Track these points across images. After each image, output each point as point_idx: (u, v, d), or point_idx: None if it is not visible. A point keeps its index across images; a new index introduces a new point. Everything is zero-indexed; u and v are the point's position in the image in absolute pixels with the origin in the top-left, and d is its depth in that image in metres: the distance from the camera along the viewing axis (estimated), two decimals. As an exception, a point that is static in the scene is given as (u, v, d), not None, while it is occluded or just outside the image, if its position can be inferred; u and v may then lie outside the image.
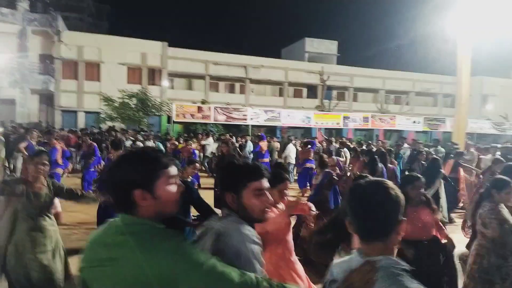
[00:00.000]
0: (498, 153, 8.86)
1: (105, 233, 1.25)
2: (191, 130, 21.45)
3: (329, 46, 38.89)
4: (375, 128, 23.81)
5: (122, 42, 27.29)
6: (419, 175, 3.56)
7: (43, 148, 4.88)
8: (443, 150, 10.35)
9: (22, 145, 7.98)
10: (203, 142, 14.05)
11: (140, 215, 1.21)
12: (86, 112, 25.94)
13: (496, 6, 12.82)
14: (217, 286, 1.15)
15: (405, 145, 12.49)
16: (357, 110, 29.90)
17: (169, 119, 21.96)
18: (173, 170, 1.27)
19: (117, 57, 26.96)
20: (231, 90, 33.01)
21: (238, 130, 23.26)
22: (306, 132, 24.81)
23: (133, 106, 21.81)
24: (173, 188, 1.26)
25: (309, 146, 9.15)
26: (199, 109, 20.59)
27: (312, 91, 34.52)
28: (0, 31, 22.57)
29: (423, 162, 8.34)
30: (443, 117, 26.19)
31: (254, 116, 21.02)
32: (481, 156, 8.92)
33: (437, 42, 17.37)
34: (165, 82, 28.30)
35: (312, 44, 38.15)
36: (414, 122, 24.12)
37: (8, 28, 23.30)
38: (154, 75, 28.54)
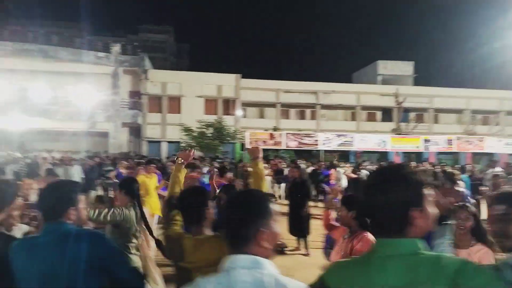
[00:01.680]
0: None
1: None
2: (263, 156, 21.89)
3: (404, 68, 37.45)
4: (461, 152, 21.93)
5: (200, 77, 29.42)
6: None
7: (132, 176, 5.14)
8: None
9: (112, 173, 8.79)
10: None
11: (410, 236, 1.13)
12: (169, 142, 28.07)
13: None
14: None
15: (498, 168, 11.31)
16: (439, 132, 27.90)
17: (242, 146, 22.75)
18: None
19: (196, 91, 29.06)
20: (302, 116, 33.21)
21: (310, 155, 23.17)
22: (382, 156, 23.73)
23: (210, 135, 23.12)
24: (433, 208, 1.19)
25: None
26: (271, 136, 21.05)
27: (387, 114, 33.18)
28: (96, 73, 25.85)
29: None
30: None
31: (326, 141, 20.83)
32: None
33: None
34: (239, 112, 29.56)
35: (386, 67, 37.11)
36: (507, 144, 21.73)
37: (104, 70, 26.65)
38: (228, 105, 30.05)
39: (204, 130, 23.06)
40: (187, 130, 23.02)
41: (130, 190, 3.37)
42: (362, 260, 1.20)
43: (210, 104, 29.61)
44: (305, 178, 7.86)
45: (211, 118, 24.98)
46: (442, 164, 15.55)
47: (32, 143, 23.19)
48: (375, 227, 1.20)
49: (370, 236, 2.53)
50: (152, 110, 28.89)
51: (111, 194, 9.55)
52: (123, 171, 8.95)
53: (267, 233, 1.21)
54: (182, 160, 2.65)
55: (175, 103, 29.32)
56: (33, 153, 17.29)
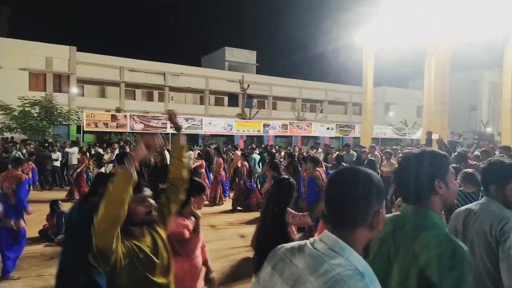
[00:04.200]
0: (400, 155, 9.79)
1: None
2: (104, 140, 20.01)
3: (249, 56, 39.80)
4: (294, 135, 24.85)
5: (24, 45, 24.61)
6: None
7: None
8: (355, 153, 11.09)
9: None
10: (67, 150, 13.03)
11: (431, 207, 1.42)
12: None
13: (397, 21, 14.32)
14: None
15: (319, 149, 13.16)
16: (277, 118, 30.93)
17: (79, 128, 20.26)
18: None
19: (18, 62, 24.22)
20: (149, 98, 31.76)
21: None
22: (228, 139, 24.87)
23: (36, 115, 19.67)
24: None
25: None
26: (114, 117, 19.37)
27: (233, 99, 34.87)
28: None
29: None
30: (353, 123, 28.42)
31: (174, 124, 20.45)
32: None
33: (347, 54, 18.83)
34: (74, 89, 26.14)
35: (232, 53, 38.70)
36: (328, 128, 25.72)
37: None
38: (60, 81, 26.18)
39: (28, 108, 19.44)
40: (5, 108, 19.01)
41: None
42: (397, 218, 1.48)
43: (37, 79, 25.22)
44: (166, 163, 7.64)
45: (38, 95, 21.26)
46: (279, 146, 17.32)
47: None
48: (407, 195, 1.47)
49: None
50: (-47, 82, 22.81)
51: None
52: None
53: (382, 214, 1.11)
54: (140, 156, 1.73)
55: (-12, 75, 23.84)
56: None
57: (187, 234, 2.56)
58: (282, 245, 1.21)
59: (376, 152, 10.35)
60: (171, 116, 2.19)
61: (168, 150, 8.04)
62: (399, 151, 10.19)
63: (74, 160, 12.49)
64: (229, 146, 17.22)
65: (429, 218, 1.39)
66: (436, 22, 13.03)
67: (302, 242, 1.17)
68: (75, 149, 12.88)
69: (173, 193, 2.08)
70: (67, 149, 13.26)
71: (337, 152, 11.13)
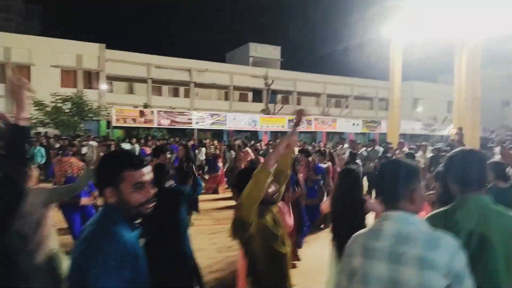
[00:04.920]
0: (430, 149, 9.53)
1: None
2: (133, 135, 20.55)
3: (273, 51, 39.70)
4: (318, 131, 24.66)
5: (55, 43, 25.52)
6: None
7: None
8: (381, 149, 10.90)
9: None
10: (91, 143, 13.16)
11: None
12: (15, 118, 23.75)
13: (426, 14, 13.90)
14: None
15: (345, 145, 13.01)
16: (301, 113, 30.69)
17: (108, 124, 20.88)
18: None
19: (50, 60, 25.16)
20: (175, 94, 32.29)
21: (183, 134, 22.77)
22: (253, 135, 24.98)
23: (68, 110, 20.42)
24: None
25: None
26: (141, 113, 19.86)
27: (257, 95, 34.91)
28: None
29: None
30: (379, 119, 27.85)
31: (200, 120, 20.73)
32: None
33: (373, 49, 18.44)
34: (103, 86, 26.91)
35: (256, 49, 38.70)
36: (354, 124, 25.36)
37: None
38: (91, 78, 27.01)
39: (60, 105, 20.20)
40: (39, 104, 19.84)
41: None
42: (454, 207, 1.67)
43: (68, 76, 26.12)
44: (190, 156, 7.73)
45: (70, 92, 22.05)
46: (303, 142, 17.22)
47: None
48: (465, 185, 1.66)
49: None
50: (-8, 80, 23.99)
51: None
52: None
53: (419, 192, 1.43)
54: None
55: (23, 73, 24.85)
56: None
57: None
58: (359, 232, 1.50)
59: (404, 148, 10.14)
60: (300, 114, 2.34)
61: (184, 145, 8.11)
62: (429, 146, 9.93)
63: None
64: (251, 142, 17.25)
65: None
66: (466, 15, 12.55)
67: (374, 226, 1.47)
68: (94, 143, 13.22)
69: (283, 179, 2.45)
70: (90, 142, 13.60)
71: (364, 148, 10.96)
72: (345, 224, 3.05)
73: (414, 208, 1.41)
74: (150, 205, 1.50)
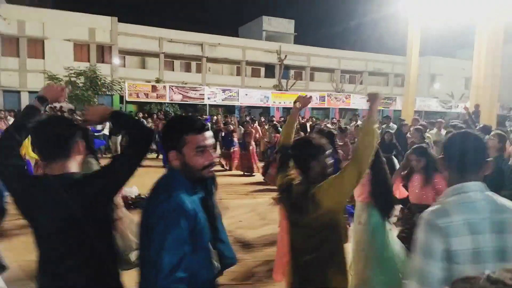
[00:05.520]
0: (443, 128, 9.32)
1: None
2: (145, 110, 20.69)
3: (286, 25, 38.80)
4: (331, 107, 24.34)
5: (68, 16, 25.41)
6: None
7: None
8: (395, 126, 10.75)
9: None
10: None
11: None
12: (30, 92, 24.11)
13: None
14: None
15: (359, 122, 12.87)
16: (314, 89, 30.32)
17: (121, 99, 21.00)
18: None
19: (63, 33, 25.14)
20: (187, 69, 32.11)
21: (195, 109, 22.80)
22: (265, 111, 24.84)
23: (81, 85, 20.58)
24: None
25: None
26: (154, 88, 19.86)
27: (270, 70, 34.46)
28: None
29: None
30: (394, 95, 27.29)
31: (211, 95, 20.65)
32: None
33: (389, 23, 17.85)
34: (116, 60, 26.90)
35: (270, 23, 37.86)
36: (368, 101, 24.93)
37: None
38: (103, 52, 26.98)
39: (74, 79, 20.36)
40: (53, 78, 20.02)
41: None
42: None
43: (81, 50, 26.14)
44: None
45: (83, 66, 22.14)
46: (315, 118, 17.08)
47: None
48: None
49: None
50: (7, 54, 24.17)
51: None
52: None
53: (490, 163, 1.51)
54: (300, 105, 2.60)
55: (37, 47, 25.00)
56: None
57: None
58: (439, 209, 1.43)
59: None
60: (374, 97, 2.13)
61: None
62: (444, 123, 9.68)
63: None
64: (262, 118, 17.23)
65: None
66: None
67: (459, 200, 1.44)
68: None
69: None
70: None
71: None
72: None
73: (482, 178, 1.49)
74: (212, 169, 1.56)
